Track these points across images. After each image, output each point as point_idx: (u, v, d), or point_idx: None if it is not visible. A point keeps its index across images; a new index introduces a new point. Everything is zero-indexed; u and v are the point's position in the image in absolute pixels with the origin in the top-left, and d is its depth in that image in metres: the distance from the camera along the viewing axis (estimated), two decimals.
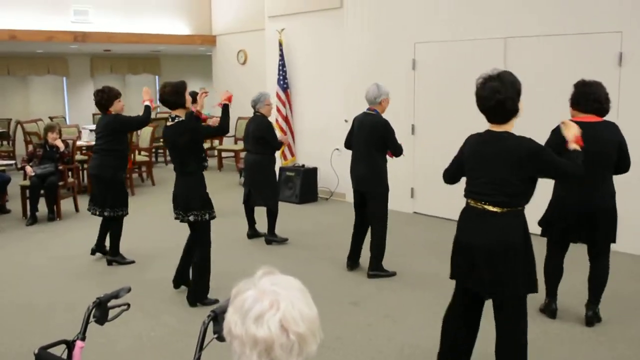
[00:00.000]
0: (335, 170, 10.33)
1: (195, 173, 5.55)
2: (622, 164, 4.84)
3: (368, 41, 9.68)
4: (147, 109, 6.89)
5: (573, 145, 3.78)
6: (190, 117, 5.62)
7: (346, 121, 10.02)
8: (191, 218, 5.51)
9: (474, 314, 3.94)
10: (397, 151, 6.26)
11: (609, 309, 5.24)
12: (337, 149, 10.34)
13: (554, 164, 3.58)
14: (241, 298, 1.54)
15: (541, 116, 7.18)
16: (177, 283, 6.03)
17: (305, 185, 10.22)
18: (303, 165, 10.47)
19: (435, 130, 8.78)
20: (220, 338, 2.29)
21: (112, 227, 6.83)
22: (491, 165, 3.59)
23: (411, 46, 9.04)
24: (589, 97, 4.79)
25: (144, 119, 6.98)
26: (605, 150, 4.73)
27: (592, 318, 5.03)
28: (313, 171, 10.42)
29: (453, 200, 8.68)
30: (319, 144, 10.34)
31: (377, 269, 6.35)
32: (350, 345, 4.85)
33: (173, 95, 5.47)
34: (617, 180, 4.94)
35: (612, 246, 5.05)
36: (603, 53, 7.00)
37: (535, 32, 7.64)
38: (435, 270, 6.62)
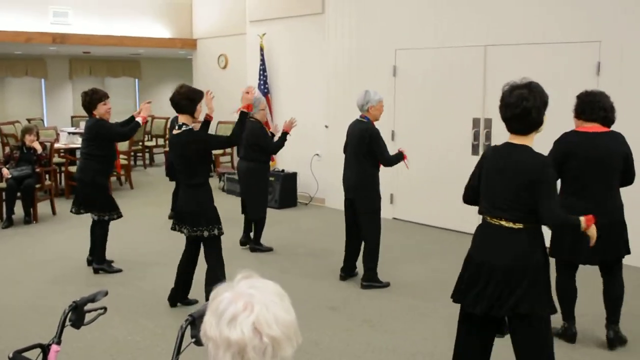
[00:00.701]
0: (315, 176, 10.34)
1: (203, 185, 5.32)
2: (627, 176, 4.68)
3: (349, 47, 9.71)
4: (136, 125, 6.64)
5: (582, 220, 3.52)
6: (204, 126, 5.53)
7: (326, 127, 10.06)
8: (199, 234, 5.29)
9: (487, 340, 3.68)
10: (386, 162, 6.12)
11: (631, 329, 5.03)
12: (317, 154, 10.37)
13: (547, 200, 3.36)
14: (217, 300, 1.55)
15: None
16: (174, 300, 5.72)
17: (284, 190, 10.21)
18: (283, 170, 10.47)
19: (415, 137, 8.81)
20: (198, 342, 2.28)
21: (96, 233, 6.68)
22: (506, 178, 3.45)
23: (392, 52, 9.08)
24: (594, 105, 4.63)
25: (127, 134, 6.71)
26: (610, 161, 4.57)
27: (614, 340, 4.75)
28: (292, 176, 10.42)
29: (432, 206, 8.77)
30: (299, 149, 10.34)
31: (371, 280, 6.25)
32: (328, 350, 4.85)
33: (185, 99, 5.23)
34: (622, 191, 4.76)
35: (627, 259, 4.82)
36: (581, 62, 7.08)
37: (515, 40, 7.71)
38: (414, 276, 6.64)
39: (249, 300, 1.51)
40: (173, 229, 5.52)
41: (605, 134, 4.62)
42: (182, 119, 5.29)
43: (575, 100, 4.79)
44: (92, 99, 6.47)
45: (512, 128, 3.51)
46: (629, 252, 4.77)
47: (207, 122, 5.63)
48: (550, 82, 7.09)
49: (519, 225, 3.42)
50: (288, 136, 7.39)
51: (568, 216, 3.50)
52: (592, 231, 3.57)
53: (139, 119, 6.69)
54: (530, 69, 7.51)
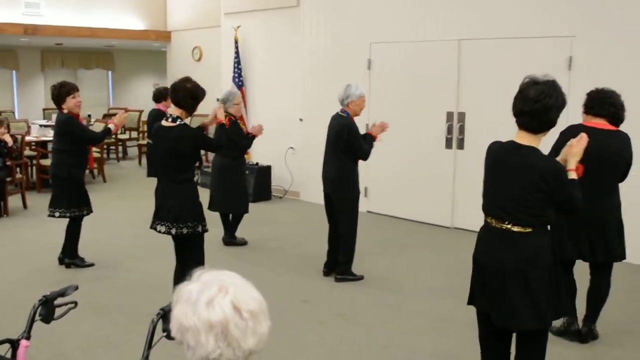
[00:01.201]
0: (289, 169, 10.33)
1: (190, 181, 5.09)
2: (621, 177, 4.64)
3: (324, 40, 9.69)
4: (107, 131, 6.61)
5: (572, 175, 3.43)
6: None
7: (301, 120, 10.05)
8: (184, 231, 5.00)
9: (505, 342, 3.64)
10: (364, 156, 6.08)
11: (606, 325, 5.02)
12: (292, 148, 10.35)
13: (570, 200, 3.31)
14: (186, 291, 1.59)
15: (493, 118, 7.29)
16: None
17: (259, 183, 10.18)
18: (257, 164, 10.43)
19: (389, 130, 8.80)
20: (169, 336, 2.26)
21: (69, 226, 6.56)
22: (513, 180, 3.31)
23: (367, 46, 9.09)
24: (605, 101, 4.57)
25: (97, 138, 6.72)
26: (616, 159, 4.52)
27: (586, 336, 4.81)
28: (267, 169, 10.39)
29: (406, 199, 8.81)
30: (274, 142, 10.32)
31: (345, 273, 6.25)
32: (302, 343, 4.85)
33: (188, 97, 4.99)
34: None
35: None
36: (554, 57, 7.14)
37: (489, 34, 7.76)
38: (388, 269, 6.67)
39: (222, 285, 1.56)
40: (151, 227, 5.19)
41: (614, 133, 4.55)
42: (177, 112, 5.02)
43: (585, 96, 4.74)
44: (60, 93, 6.32)
45: (524, 124, 3.34)
46: (622, 257, 4.70)
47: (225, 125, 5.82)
48: (523, 76, 7.17)
49: (528, 229, 3.31)
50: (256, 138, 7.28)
51: (577, 194, 3.35)
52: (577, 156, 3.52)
53: (111, 126, 6.60)
54: (504, 63, 7.59)
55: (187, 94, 5.01)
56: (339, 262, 6.27)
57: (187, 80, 5.13)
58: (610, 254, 4.64)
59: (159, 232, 5.12)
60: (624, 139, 4.57)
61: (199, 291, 1.55)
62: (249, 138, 7.18)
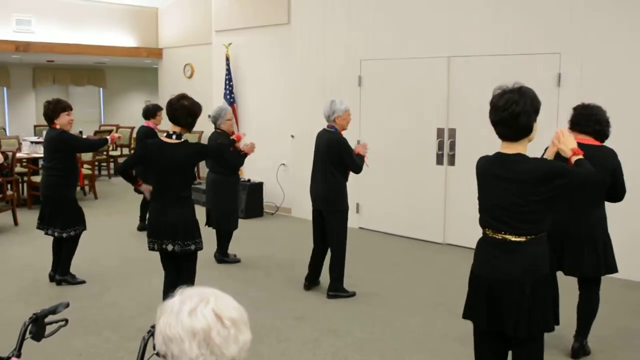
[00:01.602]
0: (281, 185, 10.34)
1: (190, 198, 5.10)
2: (616, 192, 4.59)
3: (315, 57, 9.74)
4: (104, 141, 6.88)
5: (576, 157, 3.44)
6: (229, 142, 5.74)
7: (292, 137, 10.07)
8: (192, 247, 5.01)
9: (503, 352, 3.62)
10: (356, 169, 6.10)
11: (598, 340, 5.05)
12: (283, 164, 10.37)
13: (573, 175, 3.30)
14: (168, 305, 1.63)
15: (483, 134, 7.32)
16: None
17: (251, 200, 10.19)
18: (249, 180, 10.44)
19: (380, 146, 8.86)
20: (160, 353, 2.26)
21: (66, 244, 6.50)
22: (505, 190, 3.32)
23: (357, 63, 9.14)
24: (590, 118, 4.61)
25: (96, 145, 7.07)
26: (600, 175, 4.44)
27: (578, 350, 4.81)
28: (259, 186, 10.40)
29: (398, 215, 8.82)
30: (265, 159, 10.33)
31: (337, 290, 6.26)
32: None
33: (186, 115, 4.95)
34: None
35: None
36: (543, 73, 7.20)
37: (478, 51, 7.82)
38: (379, 285, 6.67)
39: (202, 296, 1.61)
40: (152, 248, 5.11)
41: (597, 148, 4.55)
42: (176, 129, 5.00)
43: (572, 111, 4.77)
44: (55, 108, 6.33)
45: (500, 133, 3.39)
46: (615, 270, 4.70)
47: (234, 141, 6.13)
48: None
49: (523, 238, 3.31)
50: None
51: (587, 167, 3.35)
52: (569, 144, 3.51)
53: (108, 137, 6.79)
54: (493, 80, 7.57)
55: (185, 112, 4.97)
56: (331, 279, 6.27)
57: (183, 97, 5.06)
58: (598, 266, 4.64)
59: (167, 250, 5.01)
60: (609, 154, 4.58)
61: (180, 302, 1.60)
62: (241, 156, 7.14)
